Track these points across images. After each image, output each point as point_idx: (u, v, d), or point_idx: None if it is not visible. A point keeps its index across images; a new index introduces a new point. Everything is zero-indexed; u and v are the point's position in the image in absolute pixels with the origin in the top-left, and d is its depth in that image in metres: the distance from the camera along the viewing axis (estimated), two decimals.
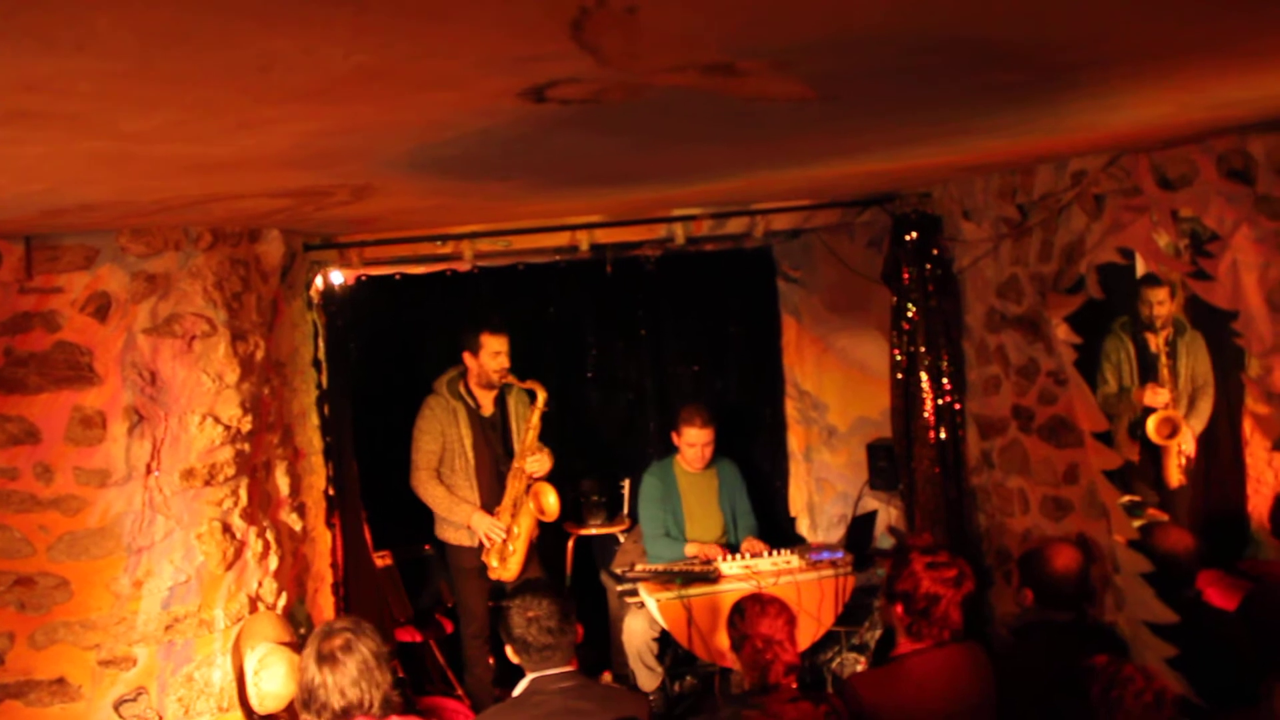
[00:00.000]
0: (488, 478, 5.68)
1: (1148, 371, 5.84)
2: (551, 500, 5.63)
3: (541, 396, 5.60)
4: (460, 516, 5.58)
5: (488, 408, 5.73)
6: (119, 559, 3.93)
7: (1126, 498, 5.05)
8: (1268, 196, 3.41)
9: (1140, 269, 6.15)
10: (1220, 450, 5.98)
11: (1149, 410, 5.75)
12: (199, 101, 1.77)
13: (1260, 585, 4.46)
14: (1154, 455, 5.88)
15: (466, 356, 5.63)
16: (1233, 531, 5.93)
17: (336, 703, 3.08)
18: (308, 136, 2.21)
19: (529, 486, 5.64)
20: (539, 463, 5.64)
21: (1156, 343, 5.81)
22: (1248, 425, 5.92)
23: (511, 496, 5.61)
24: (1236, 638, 4.05)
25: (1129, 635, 4.29)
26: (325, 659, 3.10)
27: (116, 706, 3.93)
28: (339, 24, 1.40)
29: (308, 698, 3.11)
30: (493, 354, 5.55)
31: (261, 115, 1.93)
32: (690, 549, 5.86)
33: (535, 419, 5.63)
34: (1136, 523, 4.56)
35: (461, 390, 5.66)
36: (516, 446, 5.69)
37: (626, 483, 6.65)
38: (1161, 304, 5.70)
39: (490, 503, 5.62)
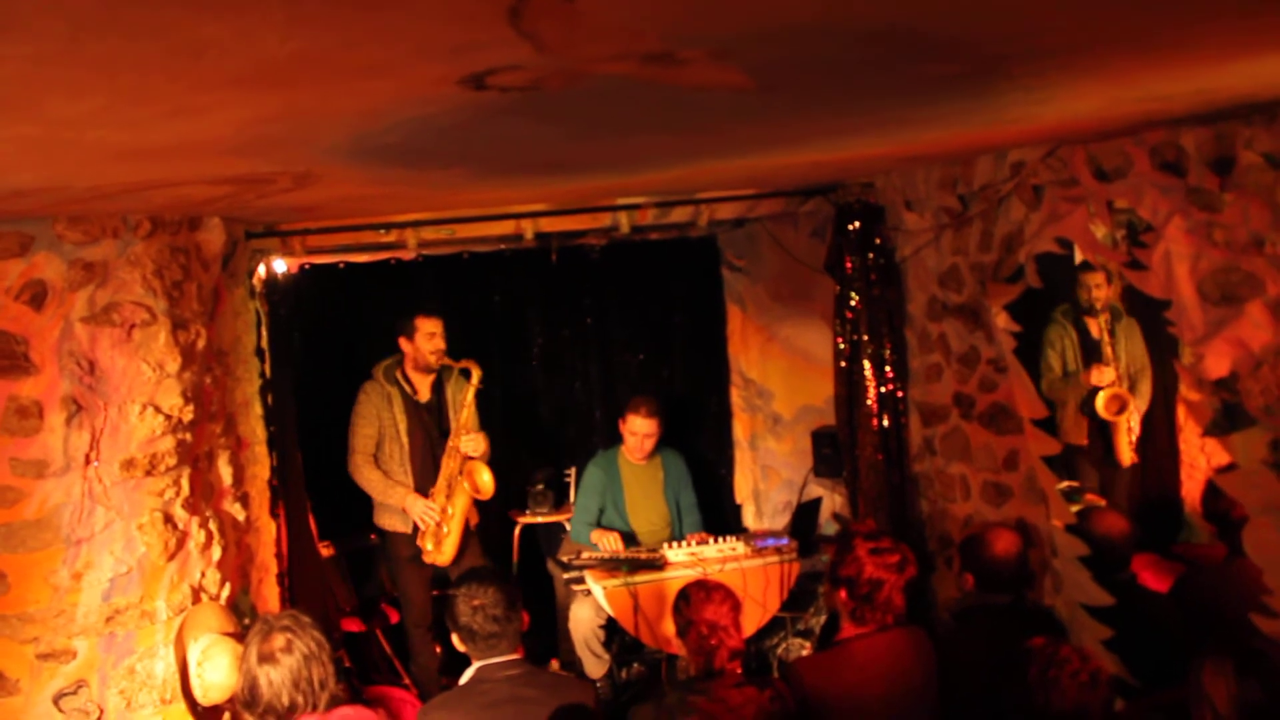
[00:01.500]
0: (422, 462, 5.66)
1: (1091, 354, 5.96)
2: (486, 478, 5.60)
3: (476, 375, 5.56)
4: (395, 500, 5.57)
5: (424, 393, 5.71)
6: (57, 551, 3.87)
7: (1064, 483, 5.15)
8: (1199, 188, 3.48)
9: (1079, 258, 6.26)
10: (1156, 437, 6.11)
11: (1096, 390, 5.86)
12: (130, 87, 1.75)
13: (1192, 568, 4.58)
14: (1104, 436, 6.00)
15: (402, 341, 5.61)
16: (1167, 516, 6.06)
17: (280, 703, 3.06)
18: (245, 123, 2.19)
19: (463, 466, 5.62)
20: (474, 443, 5.61)
21: (1098, 326, 5.94)
22: (1181, 412, 6.05)
23: (445, 476, 5.59)
24: (1169, 619, 4.15)
25: (1067, 618, 4.37)
26: (266, 659, 3.07)
27: (56, 700, 3.88)
28: (272, 9, 1.39)
29: (250, 698, 3.09)
30: (428, 335, 5.53)
31: (196, 101, 1.91)
32: (594, 535, 5.91)
33: (469, 397, 5.60)
34: (1074, 508, 4.64)
35: (398, 376, 5.64)
36: (452, 425, 5.68)
37: (572, 471, 6.65)
38: (1099, 287, 5.86)
39: (425, 487, 5.61)
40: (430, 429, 5.70)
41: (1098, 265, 5.71)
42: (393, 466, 5.62)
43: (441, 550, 5.54)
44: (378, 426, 5.60)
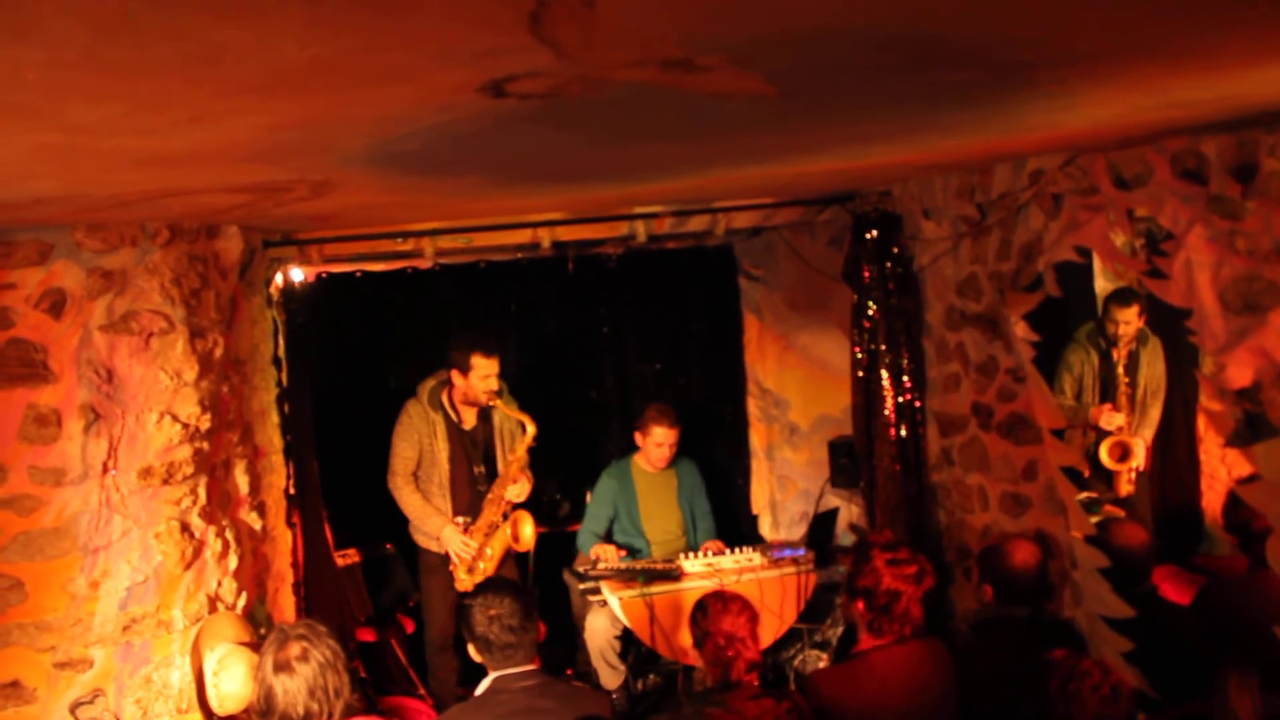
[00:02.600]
0: (463, 490, 5.56)
1: (1107, 388, 5.81)
2: (528, 531, 5.52)
3: (531, 430, 5.46)
4: (432, 527, 5.49)
5: (469, 421, 5.61)
6: (75, 559, 3.88)
7: (1084, 494, 5.10)
8: (1220, 196, 3.45)
9: (1098, 270, 6.21)
10: (1175, 448, 6.04)
11: (1101, 430, 5.70)
12: (149, 93, 1.75)
13: (1213, 580, 4.53)
14: (1104, 469, 5.88)
15: (455, 375, 5.47)
16: (1187, 527, 6.00)
17: (295, 712, 3.05)
18: (263, 130, 2.19)
19: (507, 513, 5.55)
20: (519, 490, 5.53)
21: (1119, 357, 5.76)
22: (1202, 422, 6.00)
23: (488, 520, 5.50)
24: (1191, 632, 4.11)
25: (1087, 630, 4.33)
26: (282, 667, 3.06)
27: (73, 709, 3.88)
28: (291, 15, 1.39)
29: (265, 707, 3.07)
30: (483, 376, 5.40)
31: (214, 108, 1.91)
32: (596, 549, 5.88)
33: (521, 451, 5.51)
34: (1093, 519, 4.60)
35: (444, 401, 5.53)
36: (500, 468, 5.59)
37: (589, 495, 6.64)
38: (1128, 323, 5.59)
39: (465, 513, 5.53)
40: (474, 458, 5.62)
41: (1132, 299, 5.53)
42: (431, 489, 5.54)
43: (474, 582, 5.48)
44: (418, 450, 5.50)
